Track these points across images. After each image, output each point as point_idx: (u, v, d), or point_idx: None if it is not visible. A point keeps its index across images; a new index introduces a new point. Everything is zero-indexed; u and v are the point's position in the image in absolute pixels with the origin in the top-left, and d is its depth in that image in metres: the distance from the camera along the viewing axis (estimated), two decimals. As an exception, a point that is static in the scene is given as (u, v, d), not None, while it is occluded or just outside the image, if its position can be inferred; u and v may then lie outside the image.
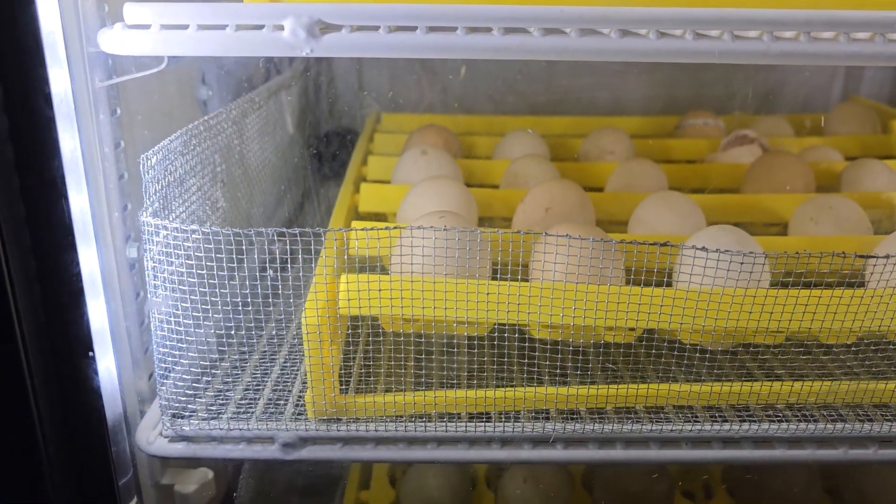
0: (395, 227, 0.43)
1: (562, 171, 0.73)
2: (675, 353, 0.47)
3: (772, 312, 0.43)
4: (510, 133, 0.79)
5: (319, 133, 0.95)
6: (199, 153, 0.49)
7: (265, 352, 0.54)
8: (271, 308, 0.47)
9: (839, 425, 0.46)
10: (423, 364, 0.49)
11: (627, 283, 0.48)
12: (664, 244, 0.41)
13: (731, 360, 0.53)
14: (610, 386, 0.47)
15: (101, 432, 0.41)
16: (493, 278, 0.47)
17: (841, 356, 0.51)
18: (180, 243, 0.40)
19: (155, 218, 0.41)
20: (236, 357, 0.53)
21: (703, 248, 0.42)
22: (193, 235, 0.40)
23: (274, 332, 0.56)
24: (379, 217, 0.66)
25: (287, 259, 0.44)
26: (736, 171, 0.74)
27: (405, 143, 0.77)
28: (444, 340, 0.52)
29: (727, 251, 0.41)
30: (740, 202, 0.66)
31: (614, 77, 1.00)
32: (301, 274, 0.44)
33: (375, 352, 0.52)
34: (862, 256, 0.40)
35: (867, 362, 0.49)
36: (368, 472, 0.72)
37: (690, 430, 0.46)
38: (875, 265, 0.42)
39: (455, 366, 0.50)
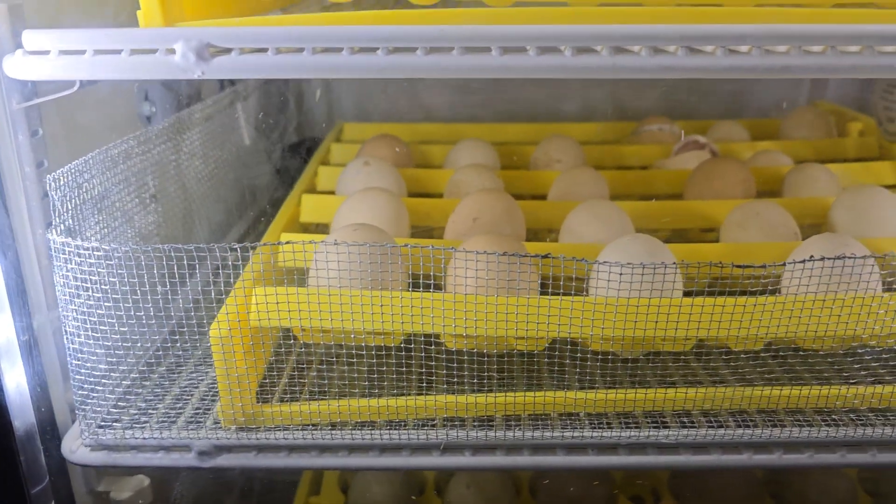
0: (286, 243, 0.45)
1: (510, 180, 0.74)
2: (579, 360, 0.48)
3: (665, 321, 0.44)
4: (461, 142, 0.80)
5: (284, 143, 0.96)
6: (122, 171, 0.51)
7: (197, 364, 0.56)
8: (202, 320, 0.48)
9: (767, 431, 0.47)
10: (327, 373, 0.50)
11: (544, 292, 0.49)
12: (545, 256, 0.42)
13: (645, 367, 0.53)
14: (516, 393, 0.48)
15: (9, 443, 0.42)
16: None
17: (751, 362, 0.51)
18: (84, 260, 0.42)
19: (61, 237, 0.42)
20: (147, 367, 0.54)
21: (600, 262, 0.43)
22: (96, 253, 0.41)
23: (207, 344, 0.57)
24: (320, 227, 0.67)
25: (186, 272, 0.46)
26: (682, 177, 0.74)
27: (356, 154, 0.78)
28: (366, 351, 0.53)
29: (617, 263, 0.42)
30: (676, 208, 0.67)
31: (578, 83, 1.01)
32: (204, 287, 0.46)
33: (306, 361, 0.54)
34: (739, 266, 0.41)
35: (780, 367, 0.50)
36: (319, 479, 0.73)
37: (625, 437, 0.47)
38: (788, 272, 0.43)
39: (356, 375, 0.51)
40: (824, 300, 0.43)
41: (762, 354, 0.53)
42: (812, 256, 0.42)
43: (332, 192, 0.72)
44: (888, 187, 0.77)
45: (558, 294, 0.45)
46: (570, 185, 0.69)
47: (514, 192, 0.73)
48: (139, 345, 0.48)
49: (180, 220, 0.62)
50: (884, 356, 0.51)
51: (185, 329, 0.49)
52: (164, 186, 0.59)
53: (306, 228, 0.68)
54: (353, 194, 0.61)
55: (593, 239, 0.58)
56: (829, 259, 0.42)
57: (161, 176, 0.58)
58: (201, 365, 0.56)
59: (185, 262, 0.43)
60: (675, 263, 0.43)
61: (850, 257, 0.42)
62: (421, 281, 0.47)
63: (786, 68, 0.39)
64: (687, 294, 0.52)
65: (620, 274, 0.43)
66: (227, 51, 0.40)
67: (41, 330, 0.48)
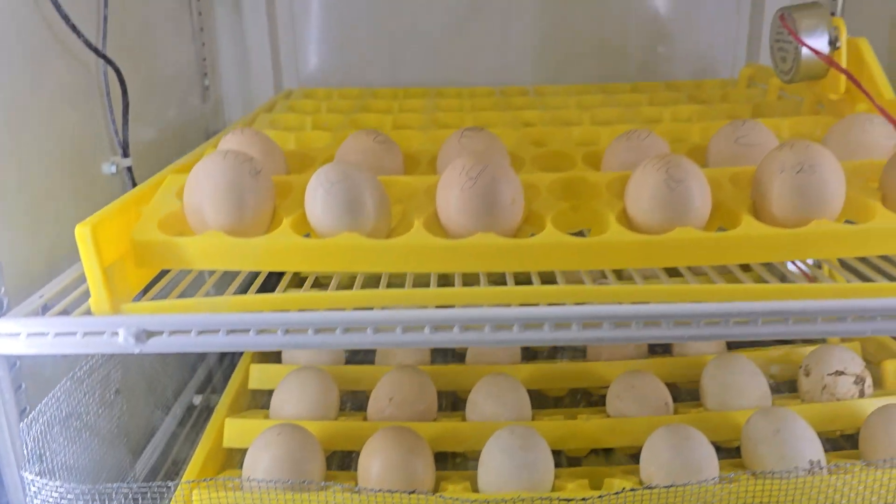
0: (210, 479, 0.55)
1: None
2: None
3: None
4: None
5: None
6: (88, 384, 0.62)
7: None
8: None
9: None
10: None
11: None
12: (412, 491, 0.53)
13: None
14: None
15: None
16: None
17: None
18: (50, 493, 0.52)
19: (31, 473, 0.53)
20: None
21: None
22: (59, 489, 0.52)
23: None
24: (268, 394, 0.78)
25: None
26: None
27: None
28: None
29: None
30: (573, 370, 0.77)
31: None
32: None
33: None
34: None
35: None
36: None
37: None
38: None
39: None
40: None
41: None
42: (624, 489, 0.53)
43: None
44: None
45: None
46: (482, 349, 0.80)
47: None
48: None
49: (141, 402, 0.73)
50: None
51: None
52: (127, 378, 0.69)
53: (255, 394, 0.78)
54: (286, 376, 0.72)
55: (491, 413, 0.69)
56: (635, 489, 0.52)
57: (124, 369, 0.69)
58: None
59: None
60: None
61: (653, 487, 0.52)
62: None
63: (600, 339, 0.50)
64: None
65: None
66: (160, 333, 0.50)
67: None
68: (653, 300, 0.51)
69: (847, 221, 0.56)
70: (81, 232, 0.49)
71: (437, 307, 0.52)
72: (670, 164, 0.53)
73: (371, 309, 0.51)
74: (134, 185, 0.78)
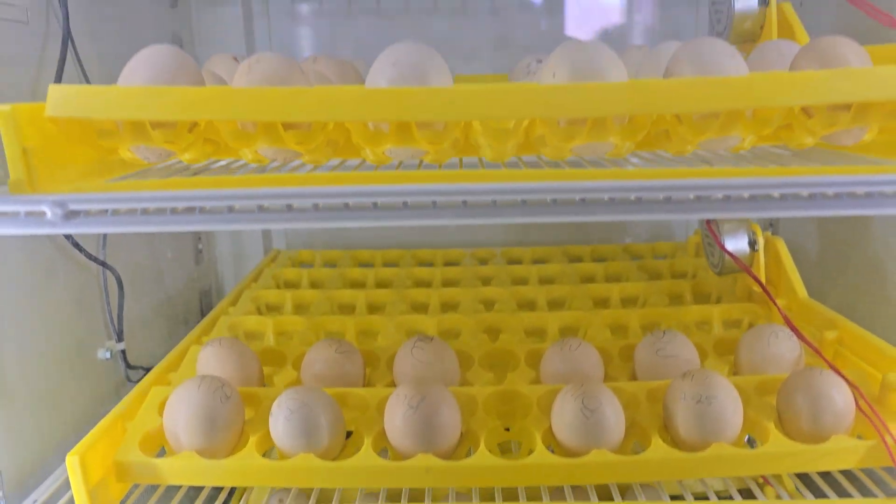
0: None
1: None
2: None
3: None
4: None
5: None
6: None
7: None
8: None
9: None
10: None
11: None
12: None
13: None
14: None
15: None
16: None
17: None
18: None
19: None
20: None
21: None
22: None
23: None
24: None
25: None
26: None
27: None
28: None
29: None
30: None
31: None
32: None
33: None
34: None
35: None
36: None
37: None
38: None
39: None
40: None
41: None
42: None
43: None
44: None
45: None
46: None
47: None
48: None
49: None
50: None
51: None
52: None
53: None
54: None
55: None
56: None
57: None
58: None
59: None
60: None
61: None
62: None
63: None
64: None
65: None
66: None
67: None
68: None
69: (749, 437, 0.63)
70: (71, 461, 0.56)
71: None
72: (585, 394, 0.60)
73: (322, 526, 0.58)
74: (127, 364, 0.86)
